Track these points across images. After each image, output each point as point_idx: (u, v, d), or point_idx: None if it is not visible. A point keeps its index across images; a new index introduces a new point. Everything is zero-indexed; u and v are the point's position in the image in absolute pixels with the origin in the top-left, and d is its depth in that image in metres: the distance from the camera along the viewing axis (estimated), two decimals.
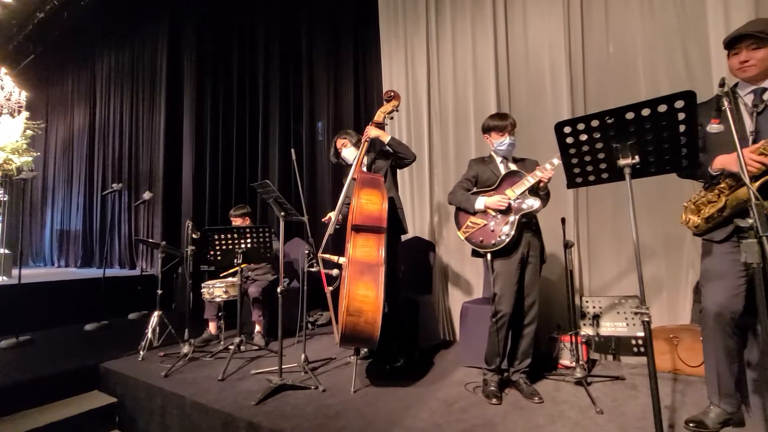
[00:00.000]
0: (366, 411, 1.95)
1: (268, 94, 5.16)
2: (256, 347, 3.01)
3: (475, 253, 2.18)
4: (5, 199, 5.96)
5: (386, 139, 2.54)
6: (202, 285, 3.25)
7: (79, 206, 7.92)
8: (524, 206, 2.05)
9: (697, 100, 1.23)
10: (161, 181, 5.77)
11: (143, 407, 2.45)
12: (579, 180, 1.48)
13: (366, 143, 2.58)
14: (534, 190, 2.07)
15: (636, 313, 2.30)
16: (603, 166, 1.41)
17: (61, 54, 8.35)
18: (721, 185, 1.56)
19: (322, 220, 2.75)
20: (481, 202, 2.12)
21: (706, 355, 1.68)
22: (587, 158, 1.41)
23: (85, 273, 6.24)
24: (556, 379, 2.28)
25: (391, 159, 2.63)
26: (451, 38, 3.49)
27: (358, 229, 2.17)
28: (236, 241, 2.79)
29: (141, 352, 2.91)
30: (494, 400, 2.00)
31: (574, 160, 1.43)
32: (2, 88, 6.91)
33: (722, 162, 1.52)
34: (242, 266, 3.29)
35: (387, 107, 2.62)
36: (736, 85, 1.62)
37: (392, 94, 2.64)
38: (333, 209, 2.58)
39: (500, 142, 2.16)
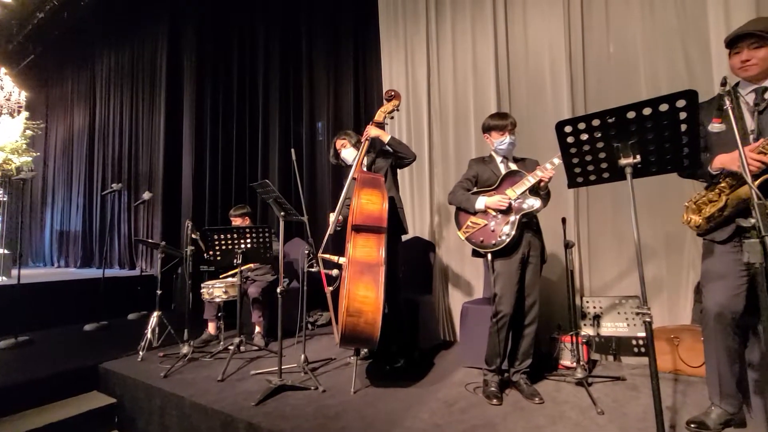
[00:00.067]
0: (366, 412, 1.95)
1: (268, 94, 5.16)
2: (256, 347, 3.01)
3: (475, 253, 2.17)
4: (5, 199, 5.96)
5: (386, 138, 2.54)
6: (202, 285, 3.24)
7: (78, 206, 7.91)
8: (525, 206, 2.05)
9: (699, 99, 1.22)
10: (161, 181, 5.76)
11: (142, 408, 2.44)
12: (580, 180, 1.47)
13: (366, 143, 2.57)
14: (534, 190, 2.07)
15: (638, 314, 2.31)
16: (604, 165, 1.41)
17: (61, 54, 8.35)
18: (722, 184, 1.56)
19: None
20: (481, 202, 2.11)
21: (707, 355, 1.67)
22: (588, 158, 1.41)
23: (84, 273, 6.23)
24: (556, 380, 2.28)
25: (391, 159, 2.62)
26: (451, 38, 3.49)
27: (358, 229, 2.16)
28: (236, 242, 2.78)
29: (140, 353, 2.91)
30: (495, 401, 1.99)
31: (575, 160, 1.43)
32: (2, 88, 6.91)
33: (722, 161, 1.52)
34: (243, 268, 3.30)
35: (387, 106, 2.61)
36: (737, 84, 1.61)
37: (393, 93, 2.64)
38: (333, 209, 2.57)
39: (500, 141, 2.16)
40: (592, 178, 1.45)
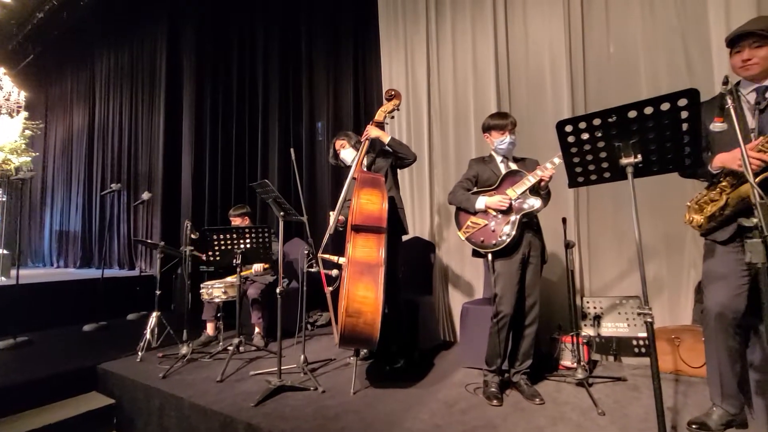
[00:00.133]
0: (366, 412, 1.94)
1: (267, 94, 5.15)
2: (255, 348, 3.00)
3: (475, 254, 2.17)
4: (4, 199, 5.95)
5: (386, 139, 2.53)
6: (201, 285, 3.23)
7: (78, 206, 7.90)
8: (525, 206, 2.04)
9: (700, 98, 1.21)
10: (160, 181, 5.75)
11: (141, 408, 2.43)
12: (581, 179, 1.46)
13: (366, 143, 2.56)
14: (535, 190, 2.06)
15: (639, 314, 2.30)
16: (605, 165, 1.40)
17: (61, 54, 8.35)
18: (723, 183, 1.56)
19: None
20: (481, 202, 2.11)
21: (708, 355, 1.67)
22: (589, 157, 1.40)
23: (83, 273, 6.22)
24: (557, 380, 2.27)
25: (392, 159, 2.61)
26: (451, 38, 3.48)
27: (357, 229, 2.16)
28: (235, 242, 2.77)
29: (139, 353, 2.90)
30: (495, 402, 1.98)
31: (576, 159, 1.42)
32: (1, 88, 6.90)
33: (722, 160, 1.52)
34: (246, 272, 3.30)
35: (388, 106, 2.61)
36: (738, 83, 1.61)
37: (393, 93, 2.63)
38: (333, 209, 2.57)
39: (500, 141, 2.15)
40: (593, 177, 1.44)
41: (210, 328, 3.34)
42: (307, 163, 4.63)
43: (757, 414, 1.68)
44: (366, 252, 2.12)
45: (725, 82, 1.24)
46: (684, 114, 1.23)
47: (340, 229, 2.56)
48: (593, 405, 1.91)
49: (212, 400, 2.14)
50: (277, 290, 2.30)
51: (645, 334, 2.34)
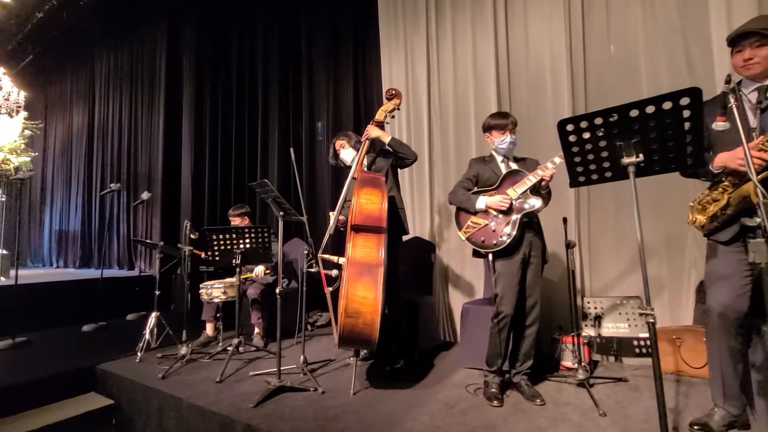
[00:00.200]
0: (365, 413, 1.93)
1: (267, 95, 5.15)
2: (255, 348, 2.99)
3: (476, 254, 2.16)
4: (3, 199, 5.94)
5: (387, 139, 2.52)
6: (201, 286, 3.23)
7: (77, 206, 7.89)
8: (526, 206, 2.03)
9: (703, 97, 1.21)
10: (160, 181, 5.75)
11: (140, 409, 2.42)
12: (582, 179, 1.46)
13: (366, 143, 2.55)
14: (535, 190, 2.05)
15: (641, 314, 2.29)
16: (606, 164, 1.39)
17: (60, 54, 8.34)
18: (725, 183, 1.55)
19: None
20: (482, 202, 2.10)
21: (711, 356, 1.66)
22: (590, 157, 1.39)
23: (83, 274, 6.21)
24: (558, 381, 2.26)
25: (392, 158, 2.60)
26: (451, 38, 3.47)
27: (357, 229, 2.15)
28: (235, 242, 2.76)
29: (138, 354, 2.89)
30: (495, 402, 1.97)
31: (577, 159, 1.41)
32: (0, 88, 6.89)
33: (723, 160, 1.52)
34: (246, 276, 3.28)
35: (388, 105, 2.60)
36: (739, 82, 1.60)
37: (393, 92, 2.62)
38: (332, 209, 2.56)
39: (501, 140, 2.14)
40: (595, 177, 1.43)
41: (209, 329, 3.33)
42: (306, 163, 4.63)
43: (759, 415, 1.67)
44: (366, 252, 2.11)
45: (728, 81, 1.23)
46: (686, 113, 1.22)
47: (341, 229, 2.55)
48: (594, 406, 1.90)
49: (211, 400, 2.13)
50: (277, 290, 2.30)
51: (646, 335, 2.35)
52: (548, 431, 1.72)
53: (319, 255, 2.40)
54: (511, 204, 2.04)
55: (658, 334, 2.32)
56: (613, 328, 2.43)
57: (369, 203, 2.16)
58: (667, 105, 1.22)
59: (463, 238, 2.13)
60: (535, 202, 2.02)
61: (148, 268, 5.84)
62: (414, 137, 3.62)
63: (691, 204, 1.69)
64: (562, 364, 2.46)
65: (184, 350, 2.77)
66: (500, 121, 2.14)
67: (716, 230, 1.61)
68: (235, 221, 3.47)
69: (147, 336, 3.01)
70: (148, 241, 4.67)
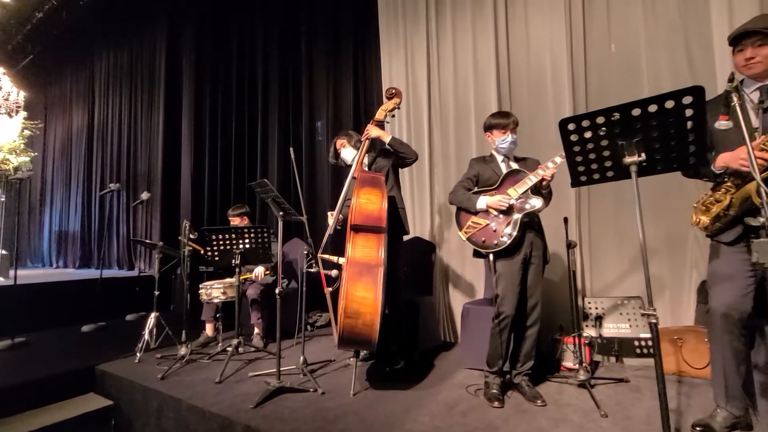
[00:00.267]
0: (365, 414, 1.92)
1: (267, 94, 5.14)
2: (254, 349, 2.98)
3: (476, 254, 2.15)
4: (3, 199, 5.92)
5: (387, 139, 2.51)
6: (200, 286, 3.21)
7: (77, 207, 7.88)
8: (527, 206, 2.02)
9: (705, 96, 1.20)
10: (160, 181, 5.74)
11: (139, 410, 2.41)
12: (583, 179, 1.45)
13: (367, 142, 2.54)
14: (536, 189, 2.04)
15: (643, 315, 2.28)
16: (608, 164, 1.38)
17: (60, 54, 8.33)
18: (727, 184, 1.55)
19: None
20: (482, 202, 2.09)
21: (713, 356, 1.65)
22: (592, 156, 1.38)
23: (82, 274, 6.20)
24: (559, 382, 2.25)
25: (392, 158, 2.59)
26: (451, 37, 3.47)
27: (357, 229, 2.14)
28: (235, 242, 2.75)
29: (138, 354, 2.88)
30: (496, 403, 1.96)
31: (579, 158, 1.40)
32: (0, 88, 6.88)
33: (724, 160, 1.51)
34: (246, 276, 3.28)
35: (389, 105, 2.59)
36: (741, 82, 1.59)
37: (394, 91, 2.61)
38: (333, 209, 2.55)
39: (502, 140, 2.13)
40: (596, 177, 1.43)
41: (209, 329, 3.32)
42: (306, 162, 4.62)
43: (762, 416, 1.66)
44: (365, 252, 2.10)
45: (731, 79, 1.22)
46: (689, 112, 1.21)
47: (339, 227, 2.54)
48: (595, 407, 1.89)
49: (211, 401, 2.12)
50: (277, 291, 2.29)
51: (647, 335, 2.34)
52: None
53: (319, 255, 2.39)
54: (512, 204, 2.03)
55: (660, 334, 2.31)
56: (614, 328, 2.42)
57: (369, 203, 2.15)
58: (670, 104, 1.21)
59: (464, 239, 2.12)
60: (535, 202, 2.01)
61: (148, 268, 5.83)
62: (414, 137, 3.61)
63: (695, 205, 1.68)
64: (563, 365, 2.45)
65: (183, 351, 2.76)
66: (501, 120, 2.13)
67: (720, 231, 1.60)
68: (235, 221, 3.46)
69: (146, 336, 3.00)
70: (148, 241, 4.66)
